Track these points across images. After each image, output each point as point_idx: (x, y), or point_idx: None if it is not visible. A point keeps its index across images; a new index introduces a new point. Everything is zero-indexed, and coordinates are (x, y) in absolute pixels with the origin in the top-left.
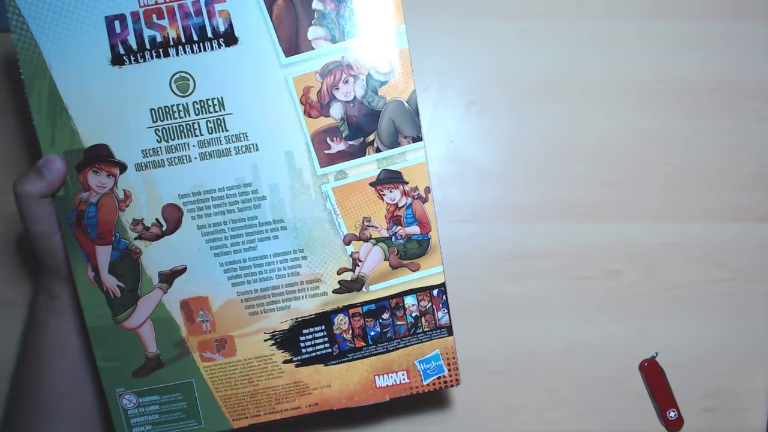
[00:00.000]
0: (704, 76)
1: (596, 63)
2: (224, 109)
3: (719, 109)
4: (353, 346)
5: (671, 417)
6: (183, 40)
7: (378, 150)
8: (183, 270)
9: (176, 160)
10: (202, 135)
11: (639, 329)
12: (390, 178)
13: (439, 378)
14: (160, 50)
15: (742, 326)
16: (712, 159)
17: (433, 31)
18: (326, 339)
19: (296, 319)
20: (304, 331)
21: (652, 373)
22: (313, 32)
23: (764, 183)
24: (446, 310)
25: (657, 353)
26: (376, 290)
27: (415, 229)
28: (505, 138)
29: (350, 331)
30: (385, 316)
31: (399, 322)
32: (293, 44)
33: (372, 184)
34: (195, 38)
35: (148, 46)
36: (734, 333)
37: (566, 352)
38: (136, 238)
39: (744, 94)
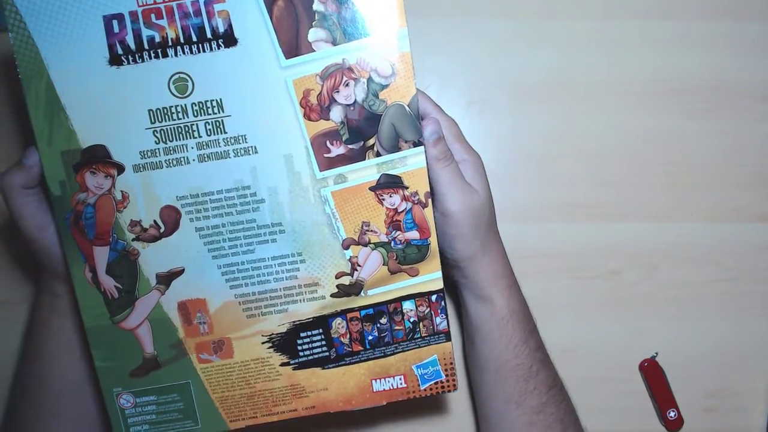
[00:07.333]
0: (704, 76)
1: (596, 63)
2: (223, 111)
3: (719, 109)
4: (351, 350)
5: (671, 417)
6: (182, 40)
7: (378, 154)
8: (181, 272)
9: (174, 162)
10: (200, 137)
11: (639, 329)
12: (390, 183)
13: (436, 383)
14: (159, 51)
15: (742, 326)
16: (712, 159)
17: (433, 31)
18: (324, 342)
19: (294, 322)
20: (302, 335)
21: (652, 373)
22: (314, 34)
23: (764, 183)
24: (444, 316)
25: (657, 353)
26: (374, 295)
27: (414, 235)
28: (506, 138)
29: (348, 335)
30: (383, 320)
31: (397, 327)
32: (293, 46)
33: (372, 189)
34: (194, 39)
35: (146, 47)
36: (734, 333)
37: (566, 352)
38: (133, 240)
39: (744, 94)
